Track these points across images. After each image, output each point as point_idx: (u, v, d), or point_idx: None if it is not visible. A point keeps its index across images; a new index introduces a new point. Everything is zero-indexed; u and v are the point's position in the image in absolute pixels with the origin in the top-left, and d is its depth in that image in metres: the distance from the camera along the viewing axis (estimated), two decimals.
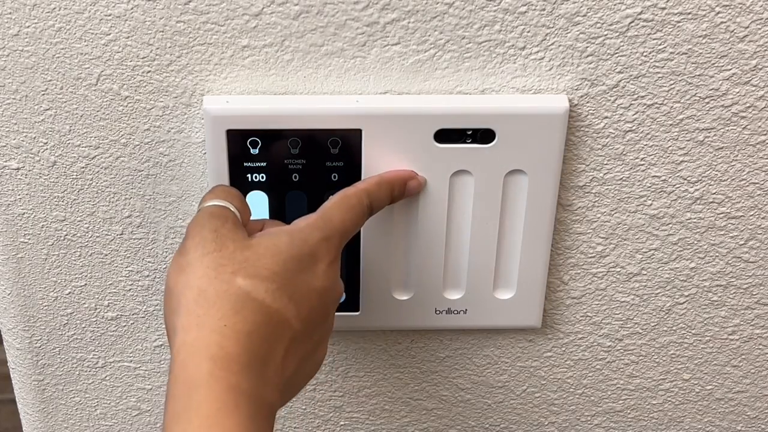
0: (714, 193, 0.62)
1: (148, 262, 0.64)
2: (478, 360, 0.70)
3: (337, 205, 0.54)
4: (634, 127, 0.59)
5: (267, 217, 0.60)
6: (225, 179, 0.59)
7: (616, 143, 0.60)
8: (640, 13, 0.55)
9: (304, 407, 0.71)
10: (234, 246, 0.49)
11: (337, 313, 0.64)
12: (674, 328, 0.68)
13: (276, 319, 0.48)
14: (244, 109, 0.57)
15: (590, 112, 0.59)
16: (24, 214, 0.62)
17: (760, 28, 0.56)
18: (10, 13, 0.54)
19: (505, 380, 0.71)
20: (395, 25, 0.55)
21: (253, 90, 0.58)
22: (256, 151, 0.58)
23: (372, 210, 0.56)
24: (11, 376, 0.70)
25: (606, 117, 0.59)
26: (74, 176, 0.60)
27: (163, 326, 0.67)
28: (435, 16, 0.55)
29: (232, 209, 0.51)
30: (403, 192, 0.59)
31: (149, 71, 0.57)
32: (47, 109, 0.58)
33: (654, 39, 0.56)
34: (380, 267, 0.62)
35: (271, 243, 0.50)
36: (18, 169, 0.60)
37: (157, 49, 0.56)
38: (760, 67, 0.57)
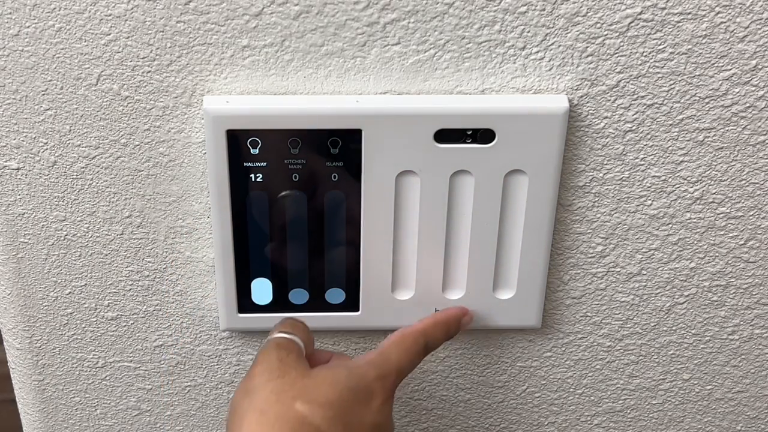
0: (714, 193, 0.62)
1: (148, 262, 0.64)
2: (478, 360, 0.70)
3: (395, 344, 0.57)
4: (634, 127, 0.59)
5: (267, 217, 0.60)
6: (225, 179, 0.59)
7: (616, 143, 0.60)
8: (640, 13, 0.55)
9: None
10: (296, 374, 0.53)
11: (337, 313, 0.65)
12: (674, 328, 0.68)
13: None
14: (244, 109, 0.57)
15: (590, 112, 0.59)
16: (24, 214, 0.62)
17: (760, 28, 0.56)
18: (10, 13, 0.54)
19: (505, 380, 0.71)
20: (395, 25, 0.55)
21: (253, 90, 0.58)
22: (256, 151, 0.58)
23: (428, 349, 0.59)
24: (11, 376, 0.70)
25: (606, 117, 0.59)
26: (74, 176, 0.60)
27: (164, 326, 0.67)
28: (435, 16, 0.55)
29: (297, 341, 0.56)
30: (457, 328, 0.62)
31: (149, 71, 0.57)
32: (47, 109, 0.58)
33: (654, 39, 0.56)
34: (380, 267, 0.63)
35: (330, 374, 0.54)
36: (18, 169, 0.60)
37: (157, 49, 0.56)
38: (760, 67, 0.57)
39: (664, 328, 0.68)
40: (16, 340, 0.68)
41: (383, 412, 0.54)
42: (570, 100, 0.58)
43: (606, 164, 0.61)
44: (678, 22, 0.55)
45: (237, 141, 0.58)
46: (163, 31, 0.55)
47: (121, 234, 0.63)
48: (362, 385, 0.54)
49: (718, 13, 0.55)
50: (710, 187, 0.62)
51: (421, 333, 0.59)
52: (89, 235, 0.63)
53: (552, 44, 0.56)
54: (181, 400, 0.71)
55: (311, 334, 0.58)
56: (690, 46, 0.56)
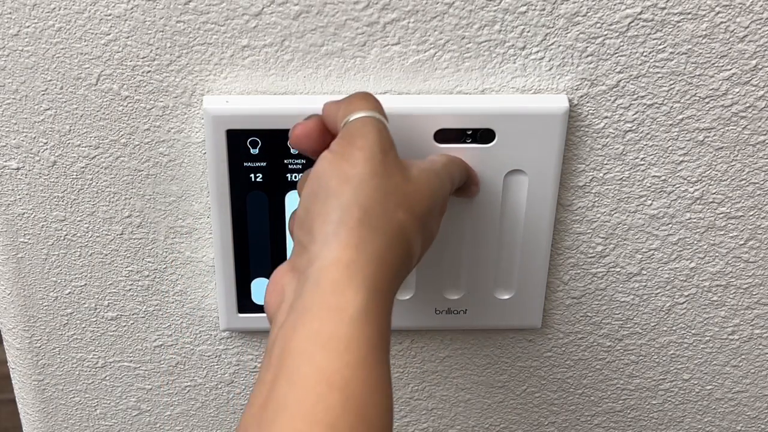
0: (714, 193, 0.62)
1: (148, 262, 0.64)
2: (478, 360, 0.70)
3: (453, 160, 0.56)
4: (634, 127, 0.59)
5: (267, 217, 0.60)
6: (225, 179, 0.59)
7: (616, 143, 0.60)
8: (640, 13, 0.55)
9: None
10: (399, 177, 0.49)
11: None
12: (674, 328, 0.68)
13: (410, 256, 0.49)
14: (244, 109, 0.57)
15: (590, 112, 0.59)
16: (24, 214, 0.62)
17: (760, 28, 0.56)
18: (10, 13, 0.54)
19: (505, 380, 0.71)
20: (395, 25, 0.55)
21: (253, 90, 0.58)
22: (256, 151, 0.58)
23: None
24: (11, 376, 0.70)
25: (606, 117, 0.59)
26: (74, 176, 0.60)
27: (164, 326, 0.67)
28: (435, 16, 0.55)
29: (387, 125, 0.51)
30: (462, 180, 0.59)
31: (149, 71, 0.57)
32: (47, 109, 0.58)
33: (654, 39, 0.56)
34: None
35: (427, 183, 0.51)
36: (18, 169, 0.60)
37: (157, 49, 0.56)
38: (760, 67, 0.57)
39: (664, 328, 0.68)
40: (16, 340, 0.68)
41: (439, 225, 0.54)
42: (570, 100, 0.58)
43: (606, 164, 0.61)
44: (678, 22, 0.55)
45: (237, 141, 0.58)
46: (163, 31, 0.55)
47: (121, 234, 0.63)
48: (443, 197, 0.53)
49: (718, 13, 0.55)
50: (710, 187, 0.62)
51: (465, 165, 0.58)
52: (89, 235, 0.63)
53: (552, 44, 0.56)
54: (181, 400, 0.71)
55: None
56: (690, 46, 0.56)
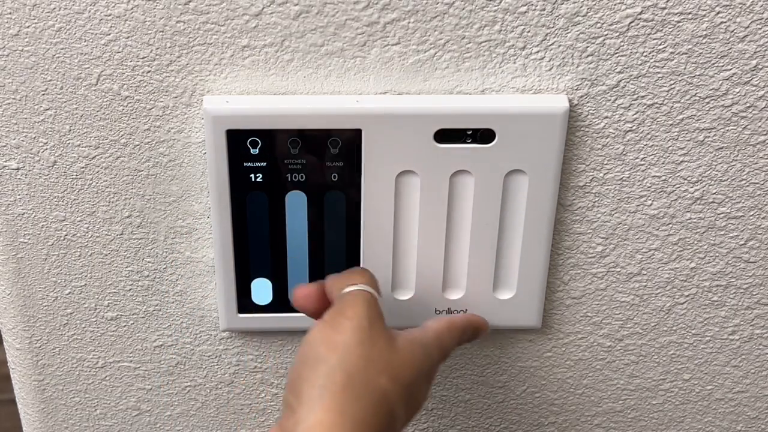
0: (714, 193, 0.62)
1: (148, 262, 0.64)
2: (478, 360, 0.70)
3: (448, 332, 0.58)
4: (634, 127, 0.59)
5: (267, 217, 0.60)
6: (225, 179, 0.59)
7: (616, 143, 0.60)
8: (640, 13, 0.55)
9: None
10: (383, 344, 0.52)
11: None
12: (674, 328, 0.68)
13: (394, 420, 0.52)
14: (244, 109, 0.57)
15: (590, 112, 0.59)
16: (24, 214, 0.62)
17: (760, 28, 0.56)
18: (10, 13, 0.54)
19: (505, 380, 0.71)
20: (395, 25, 0.55)
21: (253, 90, 0.58)
22: (256, 151, 0.58)
23: (461, 344, 0.61)
24: (11, 376, 0.70)
25: (606, 117, 0.59)
26: (74, 176, 0.60)
27: (164, 326, 0.67)
28: (435, 16, 0.55)
29: (379, 300, 0.55)
30: (472, 338, 0.62)
31: (149, 71, 0.57)
32: (47, 109, 0.58)
33: (654, 39, 0.56)
34: (380, 267, 0.62)
35: (411, 353, 0.54)
36: (18, 169, 0.60)
37: (157, 49, 0.56)
38: (760, 67, 0.57)
39: (665, 328, 0.68)
40: (16, 340, 0.68)
41: (429, 393, 0.56)
42: (570, 100, 0.58)
43: (606, 164, 0.61)
44: (678, 22, 0.55)
45: (237, 141, 0.58)
46: (163, 31, 0.55)
47: (121, 234, 0.63)
48: (430, 367, 0.55)
49: (719, 13, 0.55)
50: (710, 187, 0.62)
51: (470, 323, 0.61)
52: (89, 235, 0.63)
53: (552, 44, 0.56)
54: (181, 400, 0.71)
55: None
56: (690, 46, 0.56)
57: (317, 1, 0.54)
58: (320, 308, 0.56)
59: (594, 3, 0.55)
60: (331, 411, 0.49)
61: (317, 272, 0.63)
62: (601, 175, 0.61)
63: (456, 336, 0.59)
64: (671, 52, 0.57)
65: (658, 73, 0.57)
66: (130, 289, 0.65)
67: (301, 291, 0.57)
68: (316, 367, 0.51)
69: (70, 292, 0.65)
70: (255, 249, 0.62)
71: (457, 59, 0.57)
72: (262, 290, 0.63)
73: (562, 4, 0.55)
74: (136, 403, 0.71)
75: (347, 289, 0.54)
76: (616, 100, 0.58)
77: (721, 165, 0.61)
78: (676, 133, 0.60)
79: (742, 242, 0.64)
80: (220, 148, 0.58)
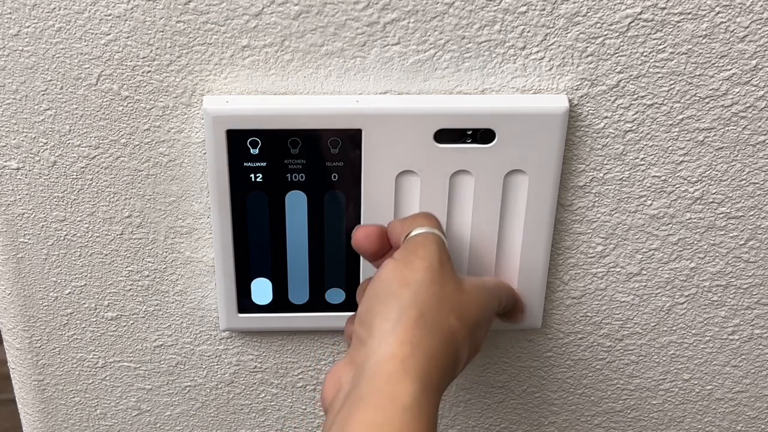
0: (714, 193, 0.62)
1: (148, 262, 0.64)
2: (478, 360, 0.70)
3: (503, 287, 0.61)
4: (634, 127, 0.59)
5: (267, 217, 0.60)
6: (225, 179, 0.59)
7: (616, 143, 0.60)
8: (640, 13, 0.55)
9: (304, 407, 0.71)
10: (453, 286, 0.54)
11: (337, 313, 0.65)
12: (674, 328, 0.68)
13: (457, 361, 0.53)
14: (244, 109, 0.57)
15: (590, 112, 0.59)
16: (24, 214, 0.62)
17: (760, 28, 0.56)
18: (10, 13, 0.54)
19: (505, 380, 0.71)
20: (395, 25, 0.55)
21: (253, 90, 0.58)
22: (256, 151, 0.58)
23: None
24: (11, 376, 0.70)
25: (606, 117, 0.59)
26: (74, 176, 0.60)
27: (164, 326, 0.67)
28: (435, 16, 0.55)
29: (445, 241, 0.56)
30: (511, 308, 0.64)
31: (149, 71, 0.57)
32: (47, 109, 0.58)
33: (654, 39, 0.56)
34: None
35: (478, 296, 0.56)
36: (18, 169, 0.60)
37: (157, 49, 0.56)
38: (760, 67, 0.57)
39: (665, 328, 0.68)
40: (16, 340, 0.68)
41: (486, 338, 0.58)
42: (570, 100, 0.58)
43: (606, 164, 0.61)
44: (678, 22, 0.55)
45: (237, 141, 0.58)
46: (163, 31, 0.55)
47: (121, 234, 0.63)
48: (491, 314, 0.58)
49: (718, 13, 0.55)
50: (710, 187, 0.62)
51: (513, 295, 0.63)
52: (89, 235, 0.63)
53: (552, 44, 0.56)
54: (181, 400, 0.71)
55: None
56: (690, 46, 0.56)
57: (317, 1, 0.54)
58: (379, 249, 0.58)
59: (594, 3, 0.55)
60: (404, 343, 0.50)
61: (317, 272, 0.63)
62: (601, 175, 0.61)
63: (510, 293, 0.62)
64: (671, 52, 0.57)
65: (658, 73, 0.57)
66: (130, 289, 0.65)
67: (363, 231, 0.58)
68: (388, 302, 0.52)
69: (70, 292, 0.65)
70: (255, 249, 0.62)
71: (457, 59, 0.57)
72: (262, 290, 0.63)
73: (562, 4, 0.55)
74: (136, 403, 0.71)
75: (417, 231, 0.55)
76: (616, 100, 0.58)
77: (721, 165, 0.61)
78: (676, 133, 0.60)
79: (742, 242, 0.64)
80: (220, 148, 0.58)
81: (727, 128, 0.59)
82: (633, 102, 0.58)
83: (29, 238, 0.63)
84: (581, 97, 0.58)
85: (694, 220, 0.63)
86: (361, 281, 0.63)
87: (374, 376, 0.49)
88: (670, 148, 0.60)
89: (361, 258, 0.62)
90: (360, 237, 0.58)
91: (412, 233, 0.55)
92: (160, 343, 0.68)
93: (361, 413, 0.48)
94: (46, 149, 0.59)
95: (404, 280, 0.53)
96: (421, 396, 0.49)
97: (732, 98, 0.58)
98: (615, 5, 0.55)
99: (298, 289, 0.64)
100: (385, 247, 0.58)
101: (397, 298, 0.52)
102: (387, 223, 0.59)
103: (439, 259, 0.54)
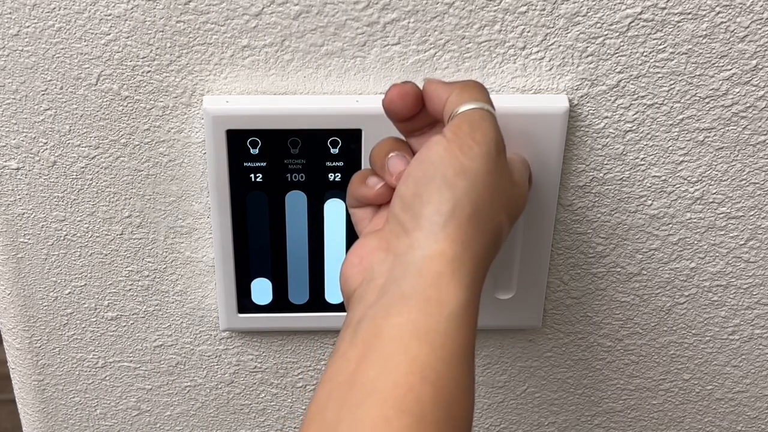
0: (714, 193, 0.62)
1: (148, 262, 0.64)
2: (478, 360, 0.70)
3: (527, 168, 0.56)
4: (634, 127, 0.59)
5: (267, 217, 0.60)
6: (225, 179, 0.59)
7: (616, 143, 0.60)
8: (640, 13, 0.55)
9: (304, 407, 0.71)
10: (507, 177, 0.50)
11: (337, 314, 0.64)
12: (674, 328, 0.68)
13: (496, 257, 0.50)
14: (244, 109, 0.57)
15: (590, 112, 0.59)
16: (24, 214, 0.62)
17: (760, 28, 0.56)
18: (10, 13, 0.54)
19: (505, 380, 0.71)
20: (395, 25, 0.55)
21: (253, 90, 0.58)
22: (256, 151, 0.58)
23: None
24: (11, 376, 0.70)
25: (606, 117, 0.59)
26: (74, 176, 0.60)
27: (164, 326, 0.67)
28: (435, 16, 0.55)
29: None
30: None
31: (149, 71, 0.57)
32: (47, 109, 0.58)
33: (654, 39, 0.56)
34: None
35: (524, 189, 0.53)
36: (18, 169, 0.60)
37: (157, 49, 0.56)
38: (760, 67, 0.57)
39: (665, 328, 0.68)
40: (16, 340, 0.68)
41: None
42: (570, 100, 0.58)
43: (606, 164, 0.61)
44: (678, 22, 0.55)
45: (237, 141, 0.58)
46: (163, 31, 0.55)
47: (121, 234, 0.63)
48: (523, 206, 0.53)
49: (719, 13, 0.55)
50: (710, 187, 0.62)
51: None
52: (89, 235, 0.63)
53: (552, 44, 0.56)
54: (181, 400, 0.71)
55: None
56: (690, 46, 0.56)
57: (317, 1, 0.54)
58: (412, 113, 0.52)
59: (594, 3, 0.55)
60: (455, 242, 0.46)
61: (317, 272, 0.63)
62: (601, 175, 0.61)
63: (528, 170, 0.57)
64: (671, 52, 0.57)
65: (658, 73, 0.57)
66: (130, 289, 0.65)
67: (398, 90, 0.51)
68: (441, 191, 0.47)
69: (70, 292, 0.65)
70: (255, 249, 0.62)
71: (457, 59, 0.57)
72: (262, 290, 0.63)
73: (562, 4, 0.55)
74: (136, 403, 0.71)
75: (470, 106, 0.49)
76: (616, 100, 0.58)
77: (721, 165, 0.61)
78: (676, 133, 0.60)
79: (742, 242, 0.64)
80: (220, 148, 0.58)
81: (727, 128, 0.59)
82: (633, 102, 0.58)
83: (29, 238, 0.63)
84: (581, 97, 0.58)
85: (695, 220, 0.63)
86: None
87: (420, 275, 0.45)
88: (670, 148, 0.60)
89: None
90: (394, 96, 0.51)
91: (467, 108, 0.49)
92: (160, 343, 0.68)
93: (403, 316, 0.44)
94: (46, 149, 0.59)
95: (461, 168, 0.47)
96: (467, 302, 0.45)
97: (732, 98, 0.58)
98: (615, 5, 0.55)
99: (298, 289, 0.64)
100: (418, 111, 0.52)
101: (451, 189, 0.47)
102: (423, 82, 0.52)
103: (497, 146, 0.48)
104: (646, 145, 0.60)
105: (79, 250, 0.63)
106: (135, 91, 0.57)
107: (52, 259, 0.64)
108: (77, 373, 0.69)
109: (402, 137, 0.54)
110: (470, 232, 0.47)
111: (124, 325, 0.67)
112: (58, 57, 0.56)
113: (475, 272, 0.47)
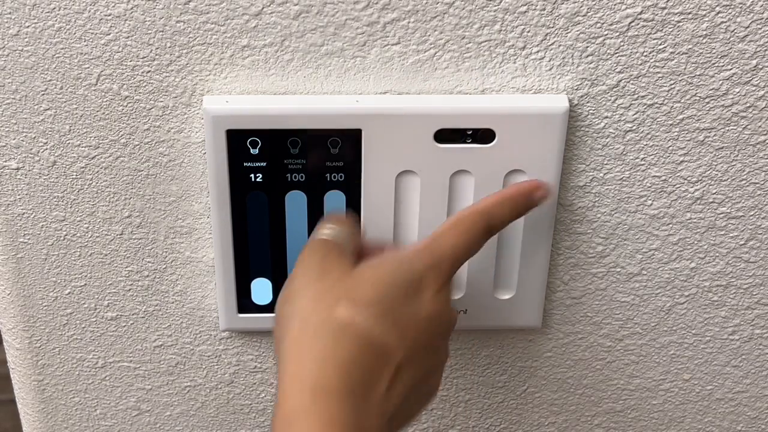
0: (714, 193, 0.62)
1: (148, 262, 0.64)
2: (478, 360, 0.70)
3: (450, 227, 0.52)
4: (634, 127, 0.59)
5: (267, 217, 0.60)
6: (225, 179, 0.59)
7: (616, 143, 0.60)
8: (640, 13, 0.55)
9: None
10: (336, 275, 0.49)
11: None
12: (674, 328, 0.68)
13: (378, 348, 0.47)
14: (244, 109, 0.57)
15: (590, 112, 0.59)
16: (24, 214, 0.62)
17: (760, 28, 0.56)
18: (10, 13, 0.54)
19: (505, 380, 0.71)
20: (395, 25, 0.55)
21: (253, 90, 0.58)
22: (256, 151, 0.58)
23: (491, 231, 0.53)
24: (11, 376, 0.70)
25: (606, 117, 0.59)
26: (74, 176, 0.60)
27: (164, 326, 0.67)
28: (435, 16, 0.55)
29: (341, 239, 0.52)
30: (528, 205, 0.56)
31: (149, 71, 0.57)
32: (47, 109, 0.58)
33: (654, 39, 0.56)
34: None
35: (374, 270, 0.49)
36: (18, 169, 0.60)
37: (157, 49, 0.56)
38: (760, 67, 0.57)
39: (665, 328, 0.68)
40: (16, 340, 0.68)
41: (436, 304, 0.50)
42: (570, 100, 0.58)
43: (606, 164, 0.61)
44: (678, 21, 0.55)
45: (237, 141, 0.58)
46: (162, 31, 0.55)
47: (121, 234, 0.63)
48: (409, 277, 0.49)
49: (719, 12, 0.55)
50: (710, 187, 0.62)
51: (481, 213, 0.53)
52: (89, 235, 0.63)
53: (552, 44, 0.56)
54: (181, 400, 0.71)
55: (358, 229, 0.55)
56: (690, 46, 0.56)
57: (317, 1, 0.54)
58: None
59: (594, 3, 0.55)
60: (292, 359, 0.46)
61: None
62: (601, 175, 0.61)
63: (473, 222, 0.52)
64: (671, 52, 0.57)
65: (658, 73, 0.57)
66: (130, 289, 0.65)
67: None
68: (278, 323, 0.49)
69: (70, 292, 0.65)
70: (255, 249, 0.62)
71: (457, 59, 0.57)
72: (262, 290, 0.63)
73: (562, 4, 0.55)
74: (136, 403, 0.71)
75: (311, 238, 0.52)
76: (616, 100, 0.58)
77: (721, 165, 0.61)
78: (676, 133, 0.60)
79: (742, 242, 0.64)
80: (220, 148, 0.58)
81: (727, 128, 0.59)
82: (633, 102, 0.58)
83: (29, 238, 0.63)
84: (581, 97, 0.58)
85: (695, 220, 0.63)
86: None
87: (278, 398, 0.46)
88: (671, 148, 0.60)
89: None
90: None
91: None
92: (160, 343, 0.68)
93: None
94: (46, 149, 0.59)
95: (285, 298, 0.49)
96: (313, 402, 0.44)
97: (732, 98, 0.58)
98: (615, 5, 0.55)
99: None
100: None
101: (282, 317, 0.48)
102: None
103: (318, 258, 0.49)
104: (646, 145, 0.60)
105: (79, 250, 0.63)
106: (135, 91, 0.57)
107: (51, 259, 0.64)
108: (77, 373, 0.69)
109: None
110: (304, 343, 0.47)
111: (124, 325, 0.67)
112: (58, 57, 0.56)
113: (319, 375, 0.46)
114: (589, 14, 0.55)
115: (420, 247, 0.51)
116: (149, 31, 0.55)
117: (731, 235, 0.64)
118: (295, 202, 0.60)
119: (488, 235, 0.53)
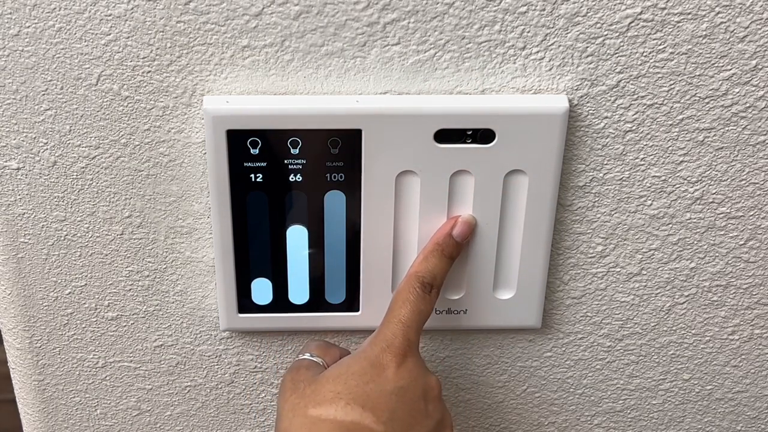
0: (714, 193, 0.62)
1: (148, 262, 0.64)
2: (478, 360, 0.70)
3: (391, 305, 0.57)
4: (634, 127, 0.59)
5: (267, 217, 0.60)
6: (225, 179, 0.59)
7: (616, 143, 0.60)
8: (640, 13, 0.55)
9: None
10: (304, 384, 0.54)
11: (337, 313, 0.65)
12: (674, 328, 0.68)
13: (361, 428, 0.52)
14: (244, 109, 0.57)
15: (590, 112, 0.59)
16: (24, 214, 0.62)
17: (760, 28, 0.56)
18: (10, 13, 0.54)
19: (505, 380, 0.71)
20: (395, 25, 0.55)
21: (253, 90, 0.58)
22: (256, 151, 0.58)
23: (429, 287, 0.57)
24: (11, 376, 0.70)
25: (606, 117, 0.59)
26: (74, 176, 0.60)
27: (164, 326, 0.67)
28: (435, 17, 0.55)
29: (316, 360, 0.57)
30: (452, 244, 0.60)
31: (149, 71, 0.57)
32: (47, 109, 0.58)
33: (654, 39, 0.56)
34: (380, 267, 0.62)
35: (335, 370, 0.55)
36: (18, 169, 0.60)
37: (157, 49, 0.56)
38: (760, 67, 0.57)
39: (665, 328, 0.68)
40: (16, 340, 0.68)
41: (403, 376, 0.54)
42: (570, 100, 0.58)
43: (606, 164, 0.61)
44: (678, 22, 0.55)
45: (237, 141, 0.58)
46: (163, 31, 0.55)
47: (121, 234, 0.63)
48: (366, 364, 0.54)
49: (718, 13, 0.55)
50: (710, 187, 0.62)
51: (411, 276, 0.57)
52: (89, 235, 0.63)
53: (552, 44, 0.56)
54: (181, 400, 0.71)
55: (333, 349, 0.60)
56: (690, 46, 0.56)
57: (317, 1, 0.54)
58: None
59: (594, 3, 0.55)
60: None
61: (317, 272, 0.63)
62: (601, 175, 0.61)
63: (408, 289, 0.56)
64: (671, 52, 0.57)
65: (658, 73, 0.57)
66: (130, 289, 0.65)
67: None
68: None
69: (70, 292, 0.65)
70: (255, 249, 0.62)
71: (457, 59, 0.57)
72: (262, 290, 0.63)
73: (562, 4, 0.55)
74: (136, 403, 0.71)
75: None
76: (616, 100, 0.58)
77: (721, 165, 0.61)
78: (676, 133, 0.60)
79: (742, 242, 0.64)
80: (220, 148, 0.58)
81: (727, 128, 0.59)
82: (633, 102, 0.58)
83: (29, 238, 0.63)
84: (581, 97, 0.58)
85: (694, 220, 0.63)
86: (361, 281, 0.63)
87: None
88: (670, 148, 0.60)
89: (361, 258, 0.62)
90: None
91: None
92: (160, 343, 0.68)
93: None
94: (46, 149, 0.59)
95: (276, 419, 0.55)
96: None
97: (732, 98, 0.58)
98: (615, 5, 0.55)
99: (298, 289, 0.64)
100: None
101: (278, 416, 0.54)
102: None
103: (291, 377, 0.55)
104: (646, 145, 0.60)
105: (79, 250, 0.63)
106: (135, 91, 0.57)
107: (52, 259, 0.64)
108: (77, 373, 0.69)
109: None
110: None
111: (125, 325, 0.67)
112: (59, 57, 0.56)
113: None
114: (588, 14, 0.55)
115: (371, 337, 0.56)
116: (149, 32, 0.55)
117: (731, 235, 0.64)
118: (295, 202, 0.60)
119: (430, 293, 0.57)
